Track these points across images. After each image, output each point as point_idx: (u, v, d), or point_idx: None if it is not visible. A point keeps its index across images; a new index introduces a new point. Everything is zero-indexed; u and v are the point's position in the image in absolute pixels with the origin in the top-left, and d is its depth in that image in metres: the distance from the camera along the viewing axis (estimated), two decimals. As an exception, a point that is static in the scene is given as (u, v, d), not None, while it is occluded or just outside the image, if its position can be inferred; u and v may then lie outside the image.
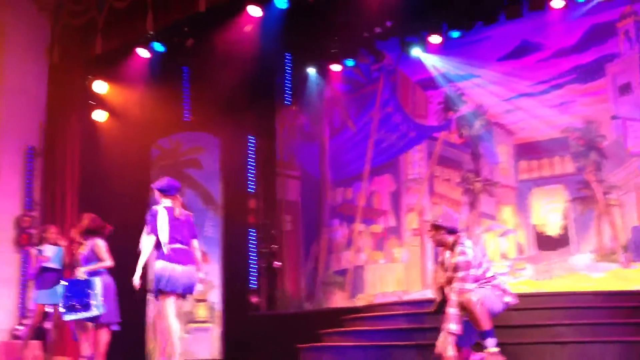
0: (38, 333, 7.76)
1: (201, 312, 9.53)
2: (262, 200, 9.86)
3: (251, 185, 9.79)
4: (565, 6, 7.90)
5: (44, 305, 7.25)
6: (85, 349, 6.16)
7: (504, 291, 4.73)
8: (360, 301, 8.90)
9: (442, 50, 8.84)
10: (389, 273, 9.07)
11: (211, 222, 9.70)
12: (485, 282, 4.69)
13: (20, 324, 9.09)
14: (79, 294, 5.88)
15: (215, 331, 9.38)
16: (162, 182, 5.72)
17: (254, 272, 9.54)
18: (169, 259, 5.42)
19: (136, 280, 5.42)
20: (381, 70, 9.52)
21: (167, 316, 5.41)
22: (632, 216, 7.40)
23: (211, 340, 9.36)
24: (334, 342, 6.52)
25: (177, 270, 5.41)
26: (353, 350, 6.12)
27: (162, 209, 5.53)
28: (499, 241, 8.27)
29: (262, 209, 9.82)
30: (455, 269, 4.64)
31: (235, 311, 9.25)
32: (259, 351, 8.28)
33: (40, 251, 7.32)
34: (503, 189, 8.36)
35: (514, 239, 8.20)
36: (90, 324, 6.10)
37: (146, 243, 5.43)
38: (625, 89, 7.67)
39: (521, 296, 5.00)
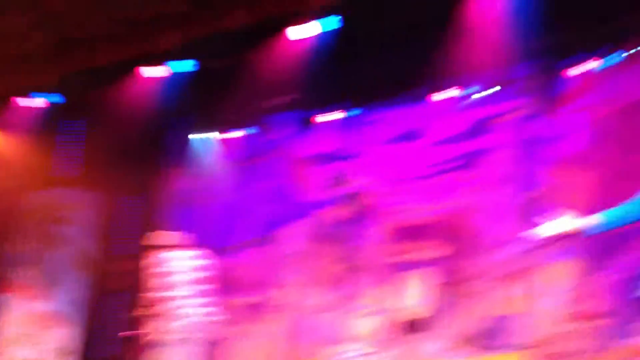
0: None
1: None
2: (136, 263, 9.49)
3: (125, 247, 9.47)
4: (451, 98, 8.17)
5: None
6: None
7: None
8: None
9: (333, 127, 8.98)
10: (262, 347, 8.78)
11: (78, 283, 9.34)
12: None
13: None
14: None
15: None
16: None
17: (115, 338, 9.08)
18: None
19: None
20: (273, 142, 9.52)
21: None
22: (491, 305, 7.48)
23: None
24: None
25: None
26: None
27: None
28: (364, 322, 8.17)
29: (135, 273, 9.44)
30: None
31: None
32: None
33: None
34: (376, 270, 8.34)
35: (381, 321, 8.10)
36: None
37: None
38: (500, 181, 7.88)
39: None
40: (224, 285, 9.16)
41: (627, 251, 6.49)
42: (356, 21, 8.03)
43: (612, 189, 7.04)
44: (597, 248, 5.91)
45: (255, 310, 8.98)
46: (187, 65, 8.63)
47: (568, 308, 6.99)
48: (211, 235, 9.49)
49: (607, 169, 7.19)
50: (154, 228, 9.61)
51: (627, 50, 7.18)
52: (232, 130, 9.51)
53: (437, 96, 8.21)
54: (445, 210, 8.10)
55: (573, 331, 6.85)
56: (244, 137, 9.55)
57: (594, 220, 3.12)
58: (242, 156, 9.74)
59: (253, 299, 9.01)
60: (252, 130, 9.48)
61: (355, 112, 8.81)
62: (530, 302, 7.25)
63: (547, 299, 7.16)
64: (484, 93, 8.07)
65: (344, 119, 8.90)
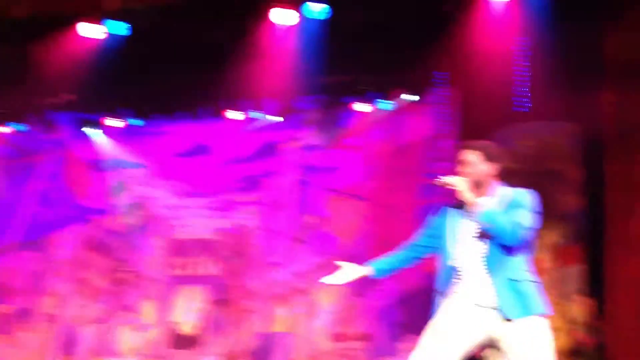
0: None
1: None
2: None
3: None
4: (241, 119, 8.40)
5: None
6: None
7: None
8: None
9: (117, 134, 8.76)
10: (26, 358, 8.30)
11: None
12: None
13: None
14: None
15: None
16: None
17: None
18: None
19: None
20: (51, 142, 9.06)
21: None
22: (261, 323, 7.79)
23: None
24: None
25: None
26: None
27: None
28: (135, 335, 8.07)
29: None
30: None
31: None
32: None
33: None
34: (149, 283, 8.28)
35: (151, 334, 8.07)
36: None
37: None
38: (277, 205, 8.25)
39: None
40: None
41: (384, 280, 7.15)
42: (147, 31, 7.92)
43: (381, 222, 7.75)
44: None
45: (21, 318, 8.48)
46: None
47: (330, 329, 7.51)
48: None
49: (376, 203, 7.87)
50: None
51: (401, 98, 7.94)
52: (5, 124, 8.89)
53: (227, 115, 8.37)
54: (224, 228, 8.29)
55: (334, 351, 7.37)
56: (16, 132, 8.96)
57: (365, 270, 3.46)
58: (13, 153, 9.15)
59: (18, 306, 8.51)
60: (26, 127, 8.91)
61: (140, 121, 8.69)
62: (297, 322, 7.67)
63: (311, 320, 7.63)
64: (270, 119, 8.40)
65: (130, 127, 8.72)
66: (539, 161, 6.82)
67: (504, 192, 3.36)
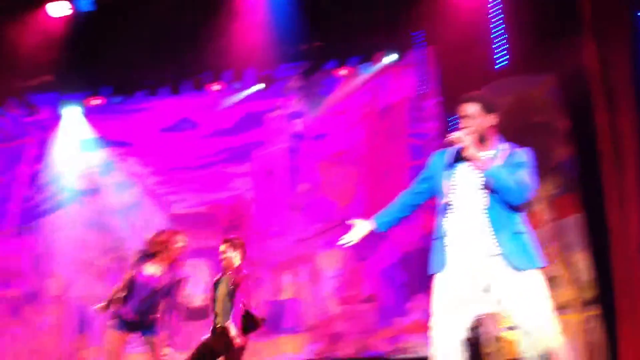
0: None
1: None
2: None
3: None
4: (223, 91, 8.44)
5: None
6: None
7: None
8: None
9: (101, 113, 8.77)
10: (24, 342, 8.41)
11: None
12: None
13: None
14: None
15: None
16: None
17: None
18: None
19: None
20: (35, 125, 9.03)
21: None
22: (267, 291, 8.01)
23: None
24: None
25: None
26: None
27: None
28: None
29: None
30: None
31: None
32: None
33: None
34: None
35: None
36: None
37: None
38: (270, 174, 8.41)
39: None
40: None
41: (385, 242, 7.39)
42: (115, 7, 7.84)
43: (372, 184, 7.94)
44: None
45: (30, 301, 8.57)
46: None
47: (336, 293, 7.73)
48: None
49: (366, 166, 8.05)
50: None
51: (381, 60, 8.04)
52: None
53: (210, 88, 8.39)
54: (219, 200, 8.41)
55: (343, 314, 7.62)
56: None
57: (370, 225, 3.51)
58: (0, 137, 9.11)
59: (25, 290, 8.61)
60: (6, 111, 8.84)
61: (118, 98, 8.66)
62: (303, 289, 7.89)
63: (317, 286, 7.86)
64: (253, 88, 8.45)
65: (111, 105, 8.71)
66: (523, 115, 6.94)
67: (506, 147, 3.40)
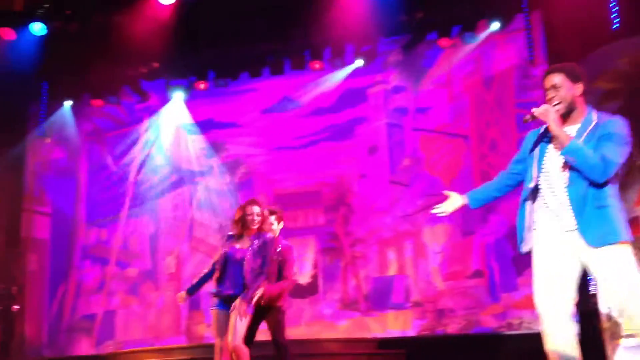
0: None
1: None
2: (3, 237, 9.12)
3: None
4: (324, 69, 8.45)
5: None
6: None
7: None
8: (108, 348, 8.54)
9: (207, 96, 8.99)
10: (142, 318, 8.82)
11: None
12: None
13: None
14: None
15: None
16: None
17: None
18: None
19: None
20: (145, 111, 9.39)
21: None
22: (373, 267, 8.02)
23: None
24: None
25: None
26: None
27: None
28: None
29: (2, 246, 9.08)
30: None
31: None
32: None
33: None
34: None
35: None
36: None
37: None
38: (372, 150, 8.36)
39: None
40: (103, 256, 9.09)
41: (492, 215, 7.23)
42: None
43: (479, 157, 7.77)
44: (465, 213, 6.53)
45: (146, 279, 8.96)
46: (40, 30, 8.14)
47: (443, 269, 7.65)
48: (89, 206, 9.34)
49: (472, 139, 7.87)
50: (24, 201, 9.29)
51: (484, 28, 7.80)
52: (99, 98, 9.20)
53: (310, 66, 8.42)
54: (325, 178, 8.47)
55: (452, 290, 7.53)
56: (110, 105, 9.27)
57: (463, 200, 3.52)
58: (110, 125, 9.53)
59: (141, 268, 8.99)
60: (118, 99, 9.21)
61: (224, 82, 8.84)
62: (409, 265, 7.86)
63: (423, 261, 7.81)
64: (353, 65, 8.41)
65: (215, 87, 8.91)
66: (636, 79, 6.63)
67: (594, 119, 3.29)
